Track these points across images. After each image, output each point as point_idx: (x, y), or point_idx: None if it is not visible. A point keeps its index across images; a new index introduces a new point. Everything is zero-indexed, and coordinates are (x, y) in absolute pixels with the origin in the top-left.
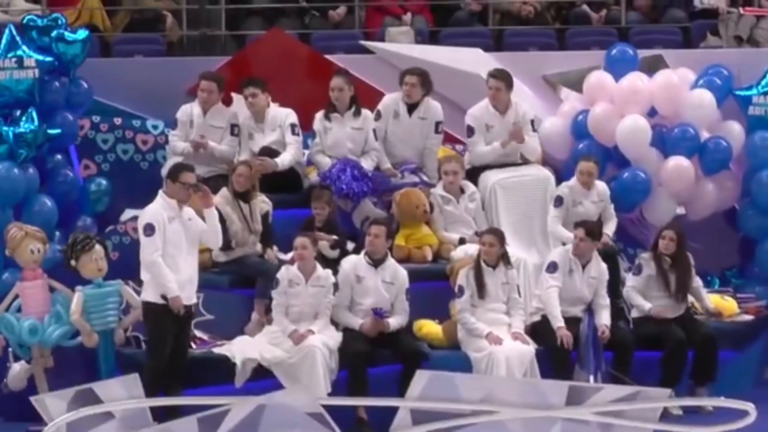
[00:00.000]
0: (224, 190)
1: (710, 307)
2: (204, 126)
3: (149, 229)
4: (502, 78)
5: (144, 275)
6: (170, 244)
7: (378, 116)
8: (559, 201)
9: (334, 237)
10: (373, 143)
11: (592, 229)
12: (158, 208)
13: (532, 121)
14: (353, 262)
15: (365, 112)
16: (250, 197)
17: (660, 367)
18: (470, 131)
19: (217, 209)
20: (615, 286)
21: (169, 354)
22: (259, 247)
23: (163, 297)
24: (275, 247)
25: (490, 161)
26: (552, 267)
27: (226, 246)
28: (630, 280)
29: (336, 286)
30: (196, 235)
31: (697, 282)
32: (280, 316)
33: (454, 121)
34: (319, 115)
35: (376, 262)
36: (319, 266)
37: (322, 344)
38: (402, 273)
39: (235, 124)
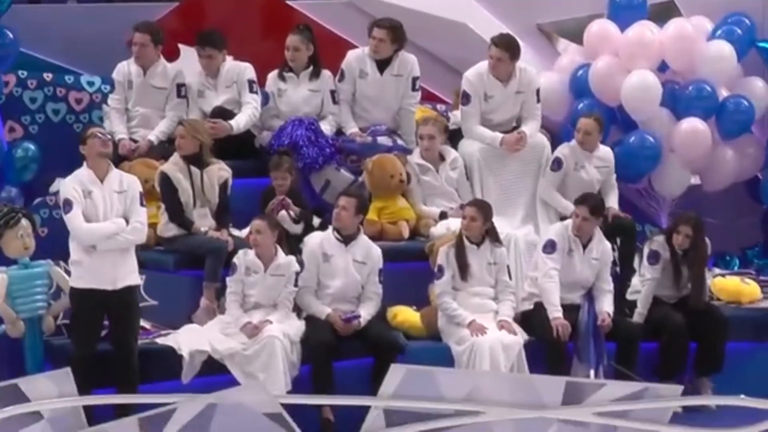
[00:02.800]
0: (175, 155)
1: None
2: (144, 86)
3: (67, 206)
4: (506, 47)
5: (73, 259)
6: (89, 219)
7: (342, 77)
8: (557, 164)
9: (297, 209)
10: (330, 106)
11: (596, 206)
12: (73, 179)
13: (538, 91)
14: (320, 238)
15: (324, 72)
16: (204, 163)
17: (659, 356)
18: (465, 98)
19: (168, 177)
20: (628, 265)
21: (113, 348)
22: (211, 222)
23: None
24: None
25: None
26: (550, 246)
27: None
28: (648, 271)
29: (299, 274)
30: (124, 207)
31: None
32: (235, 306)
33: (435, 77)
34: (273, 75)
35: (346, 239)
36: (281, 252)
37: (282, 334)
38: (376, 252)
39: (181, 83)
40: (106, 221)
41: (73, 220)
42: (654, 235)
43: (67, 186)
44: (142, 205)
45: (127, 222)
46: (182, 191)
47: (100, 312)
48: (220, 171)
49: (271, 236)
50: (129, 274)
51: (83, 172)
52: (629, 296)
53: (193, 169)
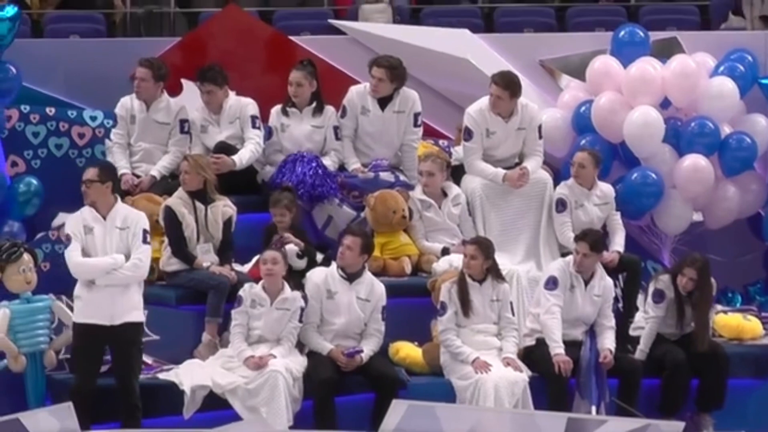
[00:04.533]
0: (181, 190)
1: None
2: (147, 122)
3: (67, 240)
4: (506, 86)
5: (75, 293)
6: (89, 255)
7: (344, 113)
8: (562, 205)
9: (302, 243)
10: (333, 142)
11: (596, 241)
12: (77, 215)
13: (540, 127)
14: (324, 275)
15: (328, 108)
16: (208, 199)
17: (660, 392)
18: (468, 134)
19: (173, 211)
20: (631, 302)
21: (116, 384)
22: (214, 258)
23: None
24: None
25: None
26: (551, 283)
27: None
28: (652, 309)
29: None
30: (125, 244)
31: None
32: (239, 338)
33: (438, 113)
34: (276, 110)
35: (350, 277)
36: (287, 287)
37: (285, 369)
38: (379, 289)
39: (184, 119)
40: (105, 256)
41: (69, 254)
42: (659, 274)
43: (70, 222)
44: (146, 242)
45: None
46: (186, 226)
47: (99, 347)
48: (224, 207)
49: (283, 268)
50: (130, 311)
51: (86, 210)
52: (632, 332)
53: (198, 204)
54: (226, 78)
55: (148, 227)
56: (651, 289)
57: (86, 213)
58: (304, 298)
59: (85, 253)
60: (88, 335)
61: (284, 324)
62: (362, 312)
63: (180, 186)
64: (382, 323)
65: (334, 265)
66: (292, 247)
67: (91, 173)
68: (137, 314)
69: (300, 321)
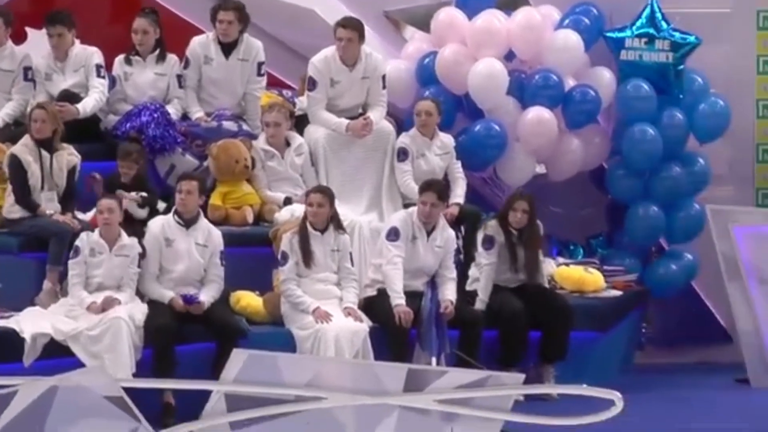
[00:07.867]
0: (26, 138)
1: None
2: None
3: None
4: (355, 27)
5: None
6: None
7: (186, 64)
8: (404, 154)
9: (143, 194)
10: (176, 90)
11: (442, 191)
12: None
13: (384, 77)
14: (161, 223)
15: (171, 56)
16: (54, 147)
17: (499, 343)
18: (311, 83)
19: (18, 159)
20: (471, 255)
21: None
22: (57, 206)
23: None
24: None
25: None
26: (393, 234)
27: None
28: (484, 257)
29: (142, 255)
30: None
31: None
32: (78, 288)
33: (282, 63)
34: (119, 59)
35: (187, 222)
36: (124, 233)
37: (128, 316)
38: (216, 234)
39: (28, 66)
40: None
41: None
42: (486, 221)
43: None
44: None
45: None
46: (31, 174)
47: None
48: (69, 156)
49: (119, 215)
50: None
51: None
52: (468, 287)
53: (44, 152)
54: (74, 23)
55: None
56: (480, 237)
57: None
58: (141, 245)
59: None
60: None
61: (124, 270)
62: (201, 258)
63: (23, 134)
64: (221, 268)
65: (171, 213)
66: (132, 196)
67: None
68: None
69: (138, 266)
